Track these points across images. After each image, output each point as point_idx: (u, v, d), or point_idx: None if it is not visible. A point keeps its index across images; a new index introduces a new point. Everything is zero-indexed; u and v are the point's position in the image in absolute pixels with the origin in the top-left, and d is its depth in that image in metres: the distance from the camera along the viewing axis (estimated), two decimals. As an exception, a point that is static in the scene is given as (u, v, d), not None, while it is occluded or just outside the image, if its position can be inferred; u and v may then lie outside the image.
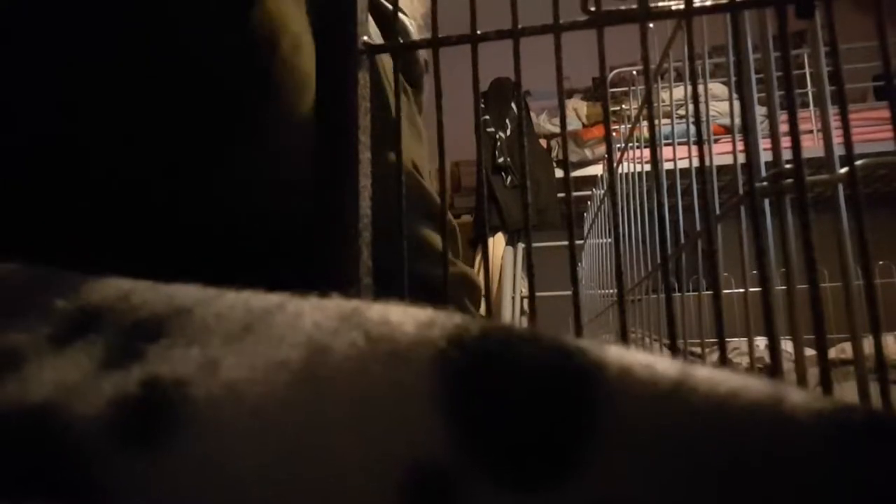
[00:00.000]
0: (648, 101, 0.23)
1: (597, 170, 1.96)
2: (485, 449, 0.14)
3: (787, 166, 0.26)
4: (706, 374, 0.14)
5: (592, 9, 0.25)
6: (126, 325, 0.16)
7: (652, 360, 0.14)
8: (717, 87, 1.86)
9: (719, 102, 1.88)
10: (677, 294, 0.52)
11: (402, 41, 0.28)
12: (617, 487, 0.13)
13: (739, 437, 0.13)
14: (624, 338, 0.25)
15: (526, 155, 0.27)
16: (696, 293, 0.55)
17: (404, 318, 0.15)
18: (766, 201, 0.29)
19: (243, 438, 0.14)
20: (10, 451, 0.14)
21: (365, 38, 0.28)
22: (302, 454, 0.14)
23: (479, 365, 0.14)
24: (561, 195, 2.02)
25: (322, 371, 0.14)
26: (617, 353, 0.14)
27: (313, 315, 0.16)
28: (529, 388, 0.14)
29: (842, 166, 0.27)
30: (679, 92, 0.68)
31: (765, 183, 0.28)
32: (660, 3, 0.25)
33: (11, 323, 0.17)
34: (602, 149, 2.16)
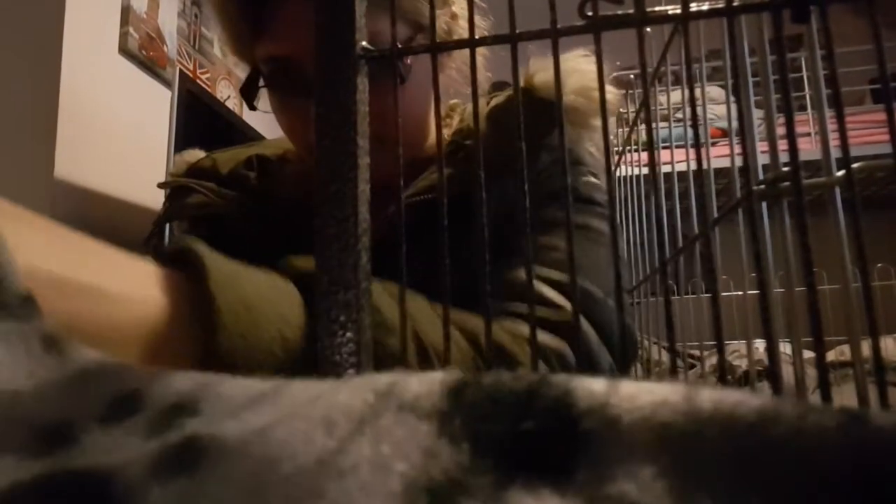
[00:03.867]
0: (646, 106, 0.23)
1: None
2: (484, 456, 0.15)
3: (785, 169, 0.26)
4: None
5: (589, 14, 0.25)
6: (169, 407, 0.19)
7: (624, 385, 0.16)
8: (714, 91, 1.86)
9: (717, 106, 1.88)
10: (676, 297, 0.52)
11: (399, 46, 0.28)
12: (614, 489, 0.14)
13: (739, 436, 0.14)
14: (623, 340, 0.25)
15: (525, 159, 0.27)
16: (695, 296, 0.55)
17: (410, 379, 0.18)
18: (764, 204, 0.29)
19: (270, 465, 0.16)
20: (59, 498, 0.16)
21: (363, 43, 0.28)
22: (322, 473, 0.15)
23: (473, 404, 0.16)
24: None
25: (336, 416, 0.17)
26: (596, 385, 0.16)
27: (326, 384, 0.19)
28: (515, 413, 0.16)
29: (839, 169, 0.27)
30: (677, 95, 0.68)
31: (762, 186, 0.28)
32: (657, 8, 0.25)
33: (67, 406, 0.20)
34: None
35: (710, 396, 0.15)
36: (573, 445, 0.15)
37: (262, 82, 0.68)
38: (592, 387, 0.16)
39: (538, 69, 0.68)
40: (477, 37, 0.27)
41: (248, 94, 0.69)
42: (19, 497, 0.16)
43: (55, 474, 0.17)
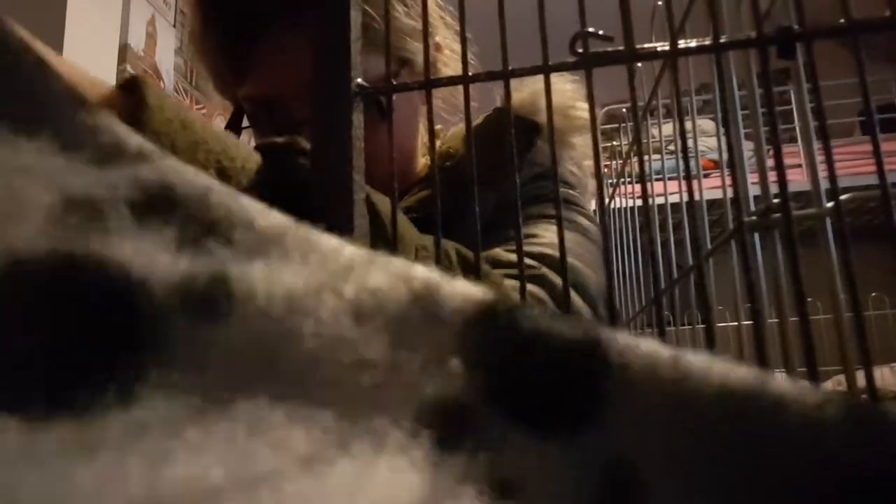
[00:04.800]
0: (637, 140, 0.24)
1: (591, 204, 1.97)
2: (502, 392, 0.15)
3: (775, 201, 0.26)
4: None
5: (580, 50, 0.25)
6: (202, 222, 0.17)
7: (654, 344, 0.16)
8: (705, 123, 1.89)
9: (708, 138, 1.90)
10: (671, 328, 0.52)
11: (394, 83, 0.29)
12: (626, 447, 0.14)
13: (740, 408, 0.14)
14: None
15: (518, 191, 0.28)
16: (690, 326, 0.55)
17: (446, 285, 0.17)
18: (756, 235, 0.30)
19: (291, 332, 0.15)
20: (90, 297, 0.15)
21: (359, 80, 0.28)
22: (341, 359, 0.15)
23: (502, 328, 0.16)
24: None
25: (366, 306, 0.16)
26: (623, 335, 0.16)
27: (360, 254, 0.18)
28: (546, 348, 0.16)
29: (829, 200, 0.27)
30: (669, 128, 0.69)
31: (754, 217, 0.28)
32: (646, 45, 0.25)
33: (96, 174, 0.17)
34: (595, 183, 2.18)
35: (736, 373, 0.15)
36: (588, 405, 0.15)
37: (245, 121, 0.69)
38: (620, 344, 0.16)
39: (514, 89, 0.69)
40: (471, 73, 0.28)
41: (232, 131, 0.70)
42: (22, 276, 0.15)
43: (75, 256, 0.15)
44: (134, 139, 0.18)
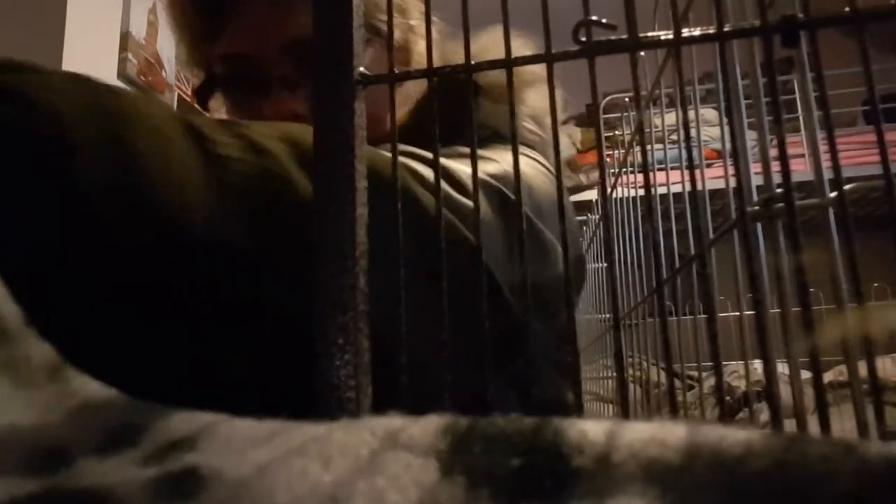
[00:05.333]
0: (640, 129, 0.24)
1: (592, 195, 1.97)
2: (480, 488, 0.16)
3: (778, 191, 0.26)
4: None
5: (583, 38, 0.25)
6: (165, 441, 0.20)
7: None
8: (708, 113, 1.88)
9: (711, 128, 1.90)
10: (673, 318, 0.52)
11: (396, 71, 0.29)
12: None
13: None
14: (619, 362, 0.25)
15: (520, 181, 0.28)
16: (692, 316, 0.55)
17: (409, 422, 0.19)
18: (759, 225, 0.30)
19: (268, 496, 0.16)
20: None
21: (361, 69, 0.28)
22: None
23: (469, 443, 0.17)
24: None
25: (333, 453, 0.17)
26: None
27: (323, 427, 0.19)
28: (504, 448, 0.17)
29: (832, 190, 0.27)
30: (672, 117, 0.68)
31: (756, 207, 0.28)
32: (650, 33, 0.25)
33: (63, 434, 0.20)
34: (596, 174, 2.17)
35: (698, 432, 0.16)
36: (565, 480, 0.15)
37: (218, 87, 0.69)
38: (584, 427, 0.17)
39: (489, 46, 0.68)
40: (473, 62, 0.28)
41: (203, 95, 0.69)
42: None
43: (51, 491, 0.17)
44: None
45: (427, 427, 0.18)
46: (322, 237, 0.27)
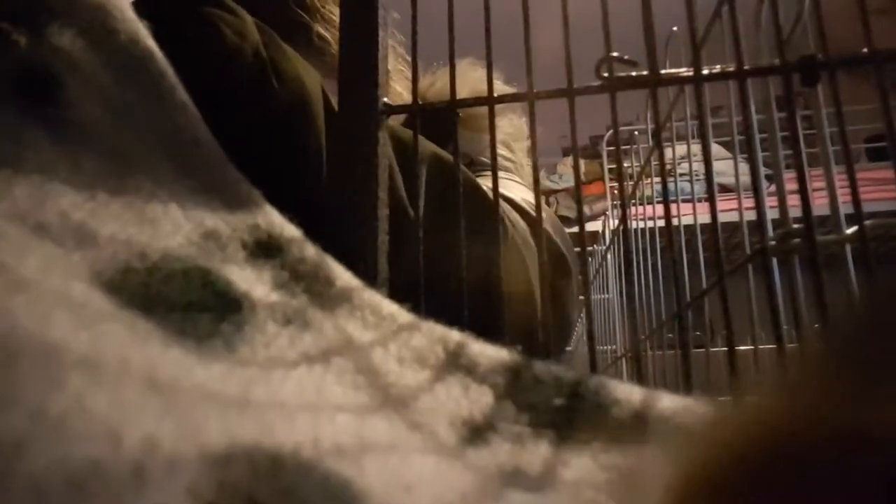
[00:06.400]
0: (661, 162, 0.24)
1: (596, 226, 1.97)
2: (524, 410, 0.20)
3: (796, 226, 0.26)
4: None
5: (605, 74, 0.26)
6: (293, 271, 0.23)
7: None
8: (714, 147, 1.89)
9: (718, 162, 1.91)
10: (674, 351, 0.51)
11: (420, 103, 0.29)
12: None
13: None
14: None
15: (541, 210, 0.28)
16: (703, 349, 0.54)
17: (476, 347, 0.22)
18: (775, 260, 0.30)
19: None
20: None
21: (385, 99, 0.29)
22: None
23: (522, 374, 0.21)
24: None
25: (407, 358, 0.21)
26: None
27: (413, 329, 0.23)
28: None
29: (849, 225, 0.27)
30: (678, 151, 0.69)
31: (773, 242, 0.28)
32: (671, 70, 0.26)
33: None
34: (599, 205, 2.18)
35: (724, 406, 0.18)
36: (600, 423, 0.19)
37: None
38: (626, 388, 0.20)
39: (435, 80, 0.71)
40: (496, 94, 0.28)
41: None
42: (167, 271, 0.20)
43: (203, 269, 0.20)
44: (255, 195, 0.24)
45: (492, 361, 0.21)
46: (344, 263, 0.27)
